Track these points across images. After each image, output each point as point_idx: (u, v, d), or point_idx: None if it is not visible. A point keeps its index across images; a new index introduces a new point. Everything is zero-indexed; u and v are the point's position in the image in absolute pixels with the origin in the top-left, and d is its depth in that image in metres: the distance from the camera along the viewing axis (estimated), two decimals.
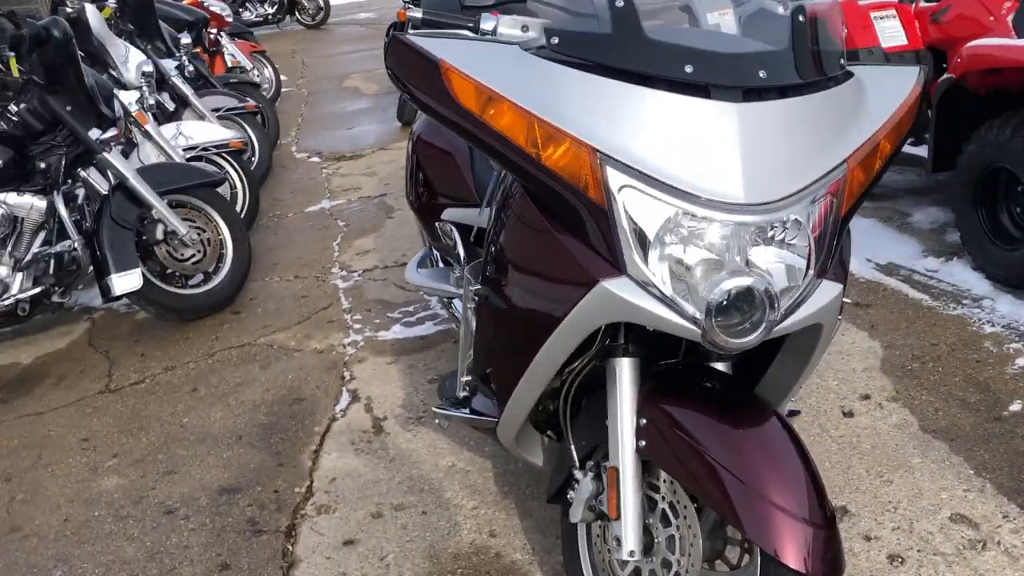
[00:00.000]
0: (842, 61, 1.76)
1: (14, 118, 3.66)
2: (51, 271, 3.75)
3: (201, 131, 4.80)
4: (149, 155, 4.53)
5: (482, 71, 1.65)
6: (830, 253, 1.63)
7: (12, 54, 3.47)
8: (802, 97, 1.63)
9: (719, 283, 1.50)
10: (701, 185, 1.52)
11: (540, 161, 1.58)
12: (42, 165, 3.76)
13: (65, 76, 3.61)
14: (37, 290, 3.69)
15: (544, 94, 1.62)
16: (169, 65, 5.37)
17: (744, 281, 1.49)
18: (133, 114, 4.39)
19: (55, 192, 3.69)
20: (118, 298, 3.71)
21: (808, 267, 1.58)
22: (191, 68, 5.52)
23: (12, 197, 3.70)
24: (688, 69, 1.57)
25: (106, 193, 3.81)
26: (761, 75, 1.59)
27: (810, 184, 1.57)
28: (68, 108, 3.65)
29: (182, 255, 4.00)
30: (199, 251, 4.03)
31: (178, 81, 5.37)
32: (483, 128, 1.64)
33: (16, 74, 3.50)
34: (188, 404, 3.27)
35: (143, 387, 3.47)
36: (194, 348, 3.75)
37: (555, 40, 1.69)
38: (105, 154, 3.73)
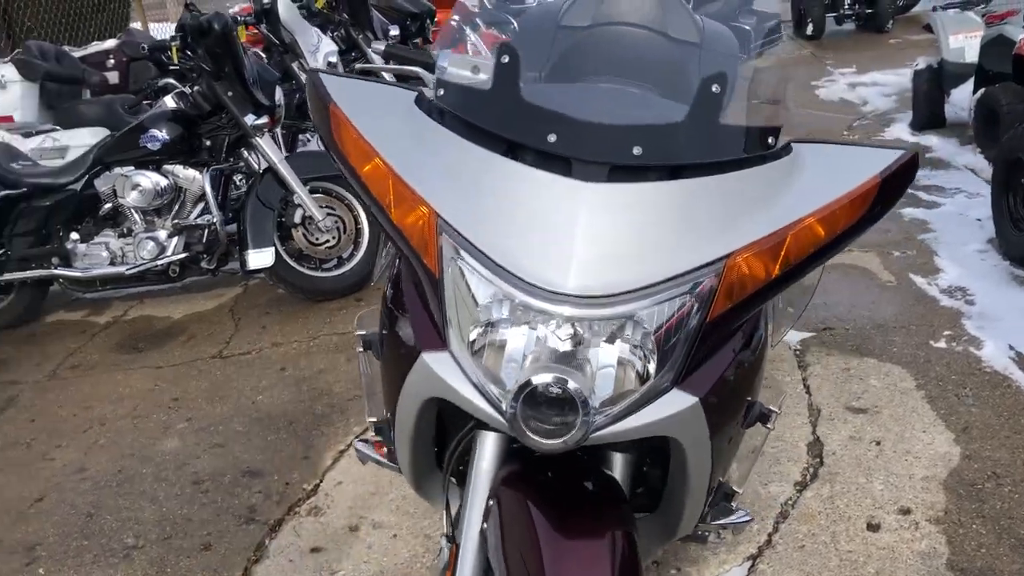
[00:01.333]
0: (772, 139, 1.52)
1: (189, 99, 4.07)
2: (202, 240, 4.15)
3: None
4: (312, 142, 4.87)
5: (367, 120, 1.61)
6: (688, 361, 1.42)
7: (176, 43, 3.85)
8: (687, 180, 1.43)
9: (525, 374, 1.37)
10: (531, 268, 1.39)
11: (392, 220, 1.53)
12: (207, 143, 4.16)
13: (225, 64, 3.95)
14: (185, 255, 4.10)
15: (413, 150, 1.56)
16: (374, 54, 5.69)
17: (547, 377, 1.34)
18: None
19: (207, 170, 4.07)
20: (252, 272, 4.03)
21: (649, 373, 1.39)
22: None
23: (179, 169, 4.13)
24: (551, 138, 1.44)
25: (256, 174, 4.14)
26: (635, 152, 1.42)
27: (662, 282, 1.38)
28: (229, 94, 3.99)
29: (317, 239, 4.25)
30: (333, 237, 4.27)
31: (385, 74, 5.67)
32: (356, 179, 1.60)
33: (176, 61, 3.89)
34: (270, 382, 3.50)
35: (247, 358, 3.76)
36: (306, 329, 3.99)
37: (441, 92, 1.62)
38: (257, 139, 4.04)
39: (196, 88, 4.04)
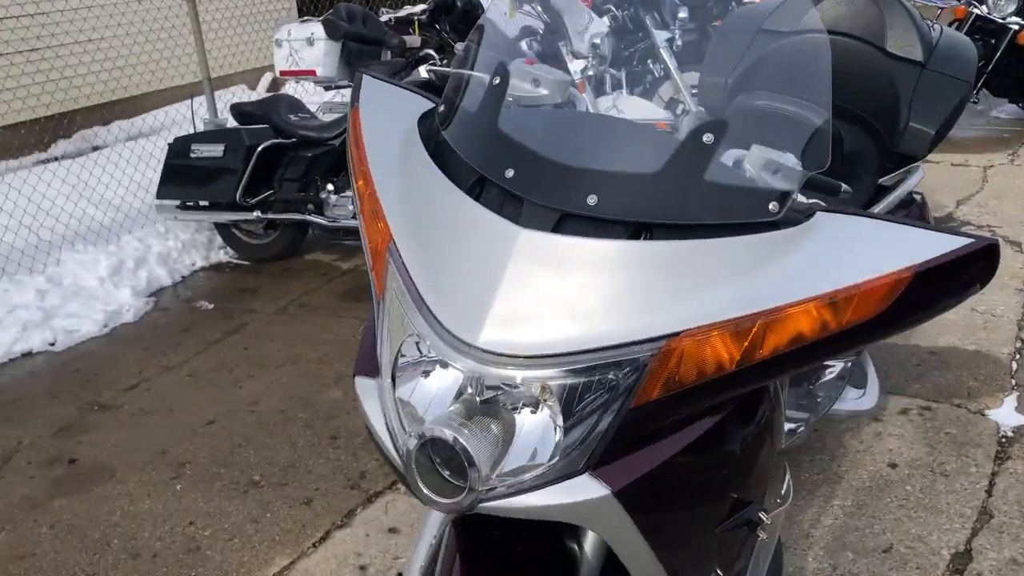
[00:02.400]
0: (776, 206, 1.28)
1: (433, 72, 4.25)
2: None
3: (633, 107, 4.90)
4: None
5: (376, 128, 1.59)
6: (607, 447, 1.24)
7: (422, 17, 4.01)
8: (649, 242, 1.25)
9: (425, 425, 1.29)
10: (451, 311, 1.29)
11: (364, 233, 1.50)
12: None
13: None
14: None
15: (397, 166, 1.51)
16: (660, 37, 5.51)
17: (443, 432, 1.24)
18: (576, 82, 4.73)
19: None
20: None
21: (556, 450, 1.24)
22: (679, 43, 5.57)
23: None
24: (509, 173, 1.33)
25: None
26: (589, 201, 1.27)
27: (583, 352, 1.22)
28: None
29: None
30: None
31: (665, 54, 5.49)
32: (354, 184, 1.59)
33: (418, 34, 4.05)
34: None
35: None
36: None
37: (441, 108, 1.55)
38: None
39: (440, 63, 4.20)
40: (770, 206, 1.27)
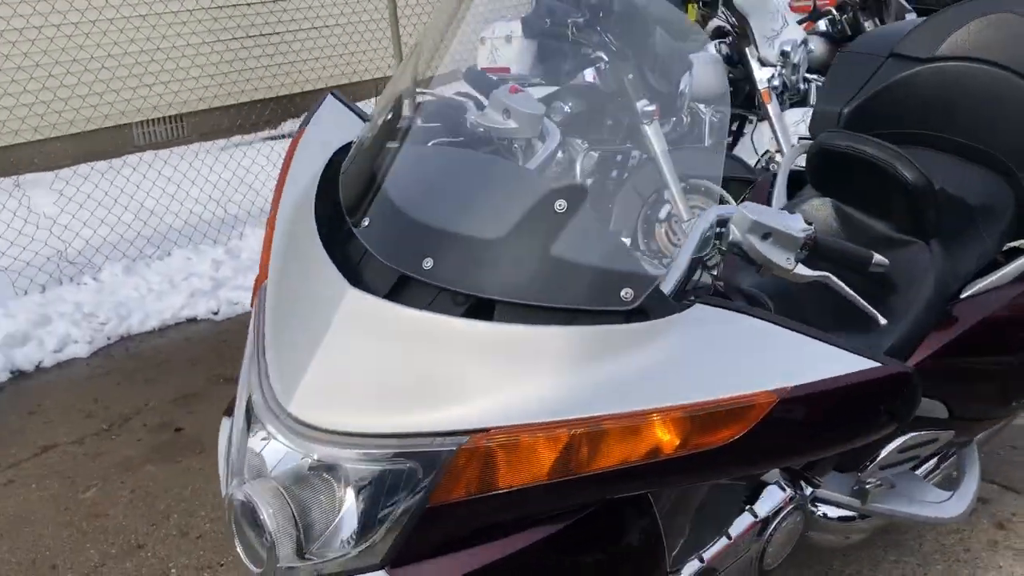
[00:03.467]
0: (627, 293, 1.09)
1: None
2: None
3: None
4: (763, 136, 4.48)
5: (309, 152, 1.53)
6: (403, 543, 1.11)
7: (580, 19, 3.84)
8: (477, 322, 1.10)
9: (237, 484, 1.22)
10: (278, 371, 1.21)
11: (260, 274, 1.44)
12: (609, 122, 4.13)
13: (635, 48, 3.84)
14: None
15: (299, 203, 1.44)
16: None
17: (239, 495, 1.16)
18: (760, 92, 4.38)
19: (575, 152, 4.05)
20: None
21: (355, 539, 1.13)
22: None
23: (578, 143, 4.19)
24: (365, 222, 1.23)
25: (638, 162, 4.00)
26: (425, 265, 1.14)
27: (382, 436, 1.10)
28: (629, 76, 3.89)
29: (679, 240, 3.98)
30: None
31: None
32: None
33: (569, 37, 3.88)
34: None
35: None
36: None
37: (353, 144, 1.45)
38: (644, 124, 3.89)
39: (606, 66, 4.02)
40: (622, 293, 1.05)
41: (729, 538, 1.68)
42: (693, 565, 1.55)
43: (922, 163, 2.17)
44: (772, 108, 4.34)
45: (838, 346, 1.05)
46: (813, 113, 2.39)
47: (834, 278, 1.48)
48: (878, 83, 2.30)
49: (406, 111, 1.31)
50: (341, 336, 1.11)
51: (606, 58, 4.13)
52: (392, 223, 1.17)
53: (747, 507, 1.82)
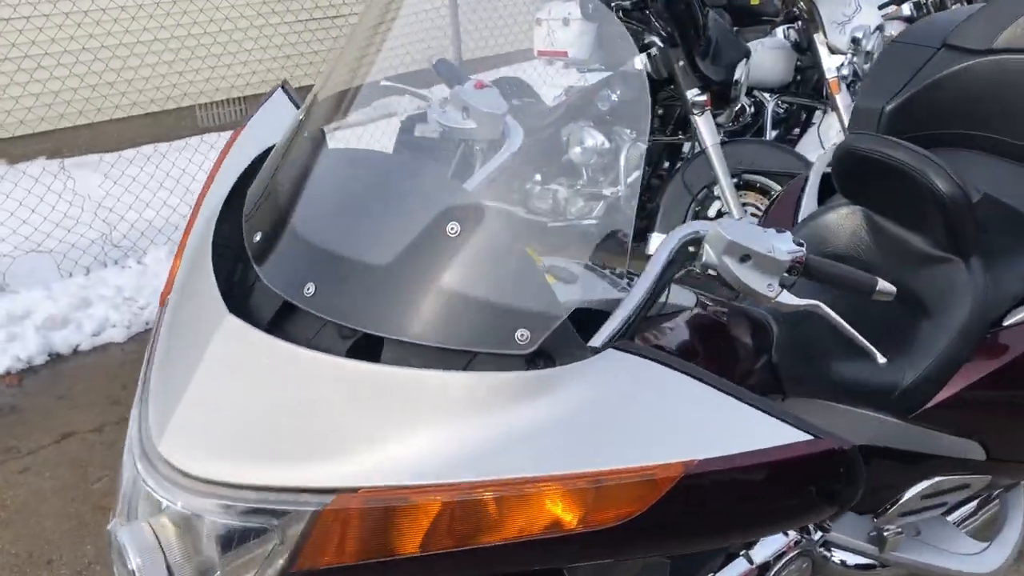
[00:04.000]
0: (522, 335, 0.93)
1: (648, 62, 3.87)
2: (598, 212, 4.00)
3: None
4: (830, 128, 4.19)
5: (244, 150, 1.40)
6: None
7: (624, 3, 3.63)
8: (357, 363, 0.95)
9: (119, 518, 1.11)
10: (157, 401, 1.09)
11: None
12: (660, 111, 3.92)
13: (685, 31, 3.62)
14: (594, 222, 3.99)
15: (211, 213, 1.31)
16: None
17: (114, 532, 1.05)
18: (828, 81, 4.10)
19: (621, 142, 3.85)
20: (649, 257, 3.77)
21: None
22: None
23: (626, 133, 3.99)
24: (256, 237, 1.10)
25: (688, 155, 3.79)
26: (306, 291, 1.00)
27: (246, 487, 0.96)
28: (680, 63, 3.67)
29: None
30: None
31: None
32: None
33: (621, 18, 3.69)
34: None
35: None
36: None
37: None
38: (695, 116, 3.67)
39: (655, 51, 3.81)
40: (518, 335, 0.89)
41: None
42: None
43: (971, 168, 1.92)
44: (841, 99, 4.04)
45: (768, 412, 0.86)
46: (853, 110, 2.15)
47: (825, 308, 1.28)
48: (927, 77, 2.05)
49: (322, 111, 1.17)
50: (214, 369, 0.98)
51: (660, 43, 3.91)
52: (282, 240, 1.03)
53: (742, 552, 1.64)
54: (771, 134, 4.41)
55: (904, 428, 1.70)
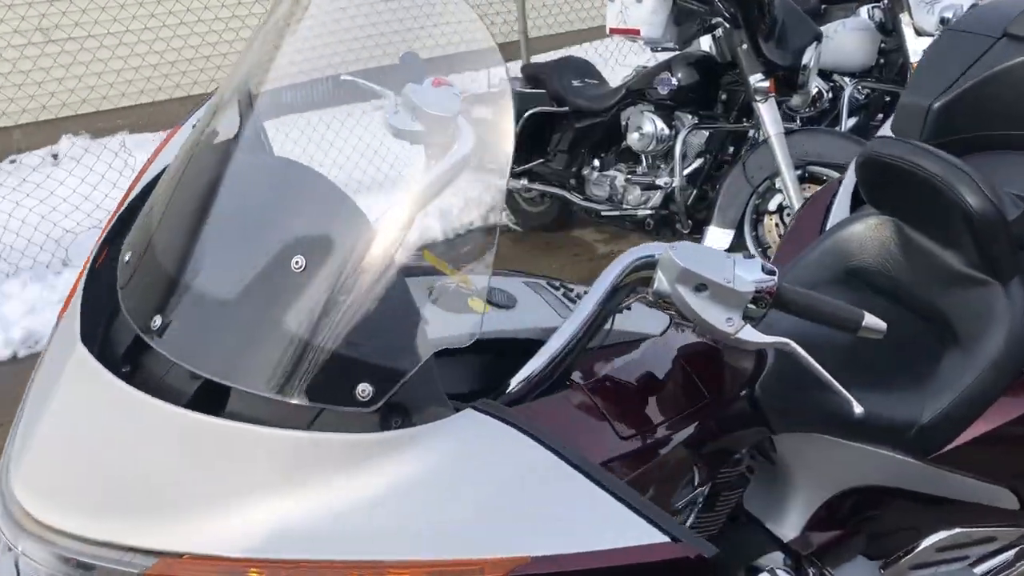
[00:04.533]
0: (364, 390, 0.82)
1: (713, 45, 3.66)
2: (649, 201, 3.81)
3: None
4: None
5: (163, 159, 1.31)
6: None
7: None
8: (190, 414, 0.85)
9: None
10: (21, 430, 1.01)
11: None
12: (723, 96, 3.71)
13: (748, 12, 3.40)
14: (656, 211, 3.80)
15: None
16: None
17: None
18: (912, 65, 3.80)
19: (688, 126, 3.65)
20: None
21: None
22: None
23: (687, 118, 3.78)
24: (126, 258, 1.01)
25: (751, 144, 3.57)
26: (153, 324, 0.91)
27: (83, 539, 0.88)
28: (743, 46, 3.45)
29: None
30: None
31: None
32: None
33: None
34: None
35: None
36: None
37: None
38: (758, 102, 3.44)
39: (719, 34, 3.59)
40: (359, 390, 0.77)
41: None
42: None
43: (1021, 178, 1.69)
44: None
45: (629, 504, 0.72)
46: (897, 107, 1.93)
47: (795, 346, 1.12)
48: (982, 70, 1.82)
49: (224, 113, 1.06)
50: (63, 405, 0.90)
51: (727, 24, 3.69)
52: (143, 261, 0.93)
53: None
54: (848, 122, 4.12)
55: (921, 469, 1.51)
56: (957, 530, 1.53)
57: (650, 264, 1.12)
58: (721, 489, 1.47)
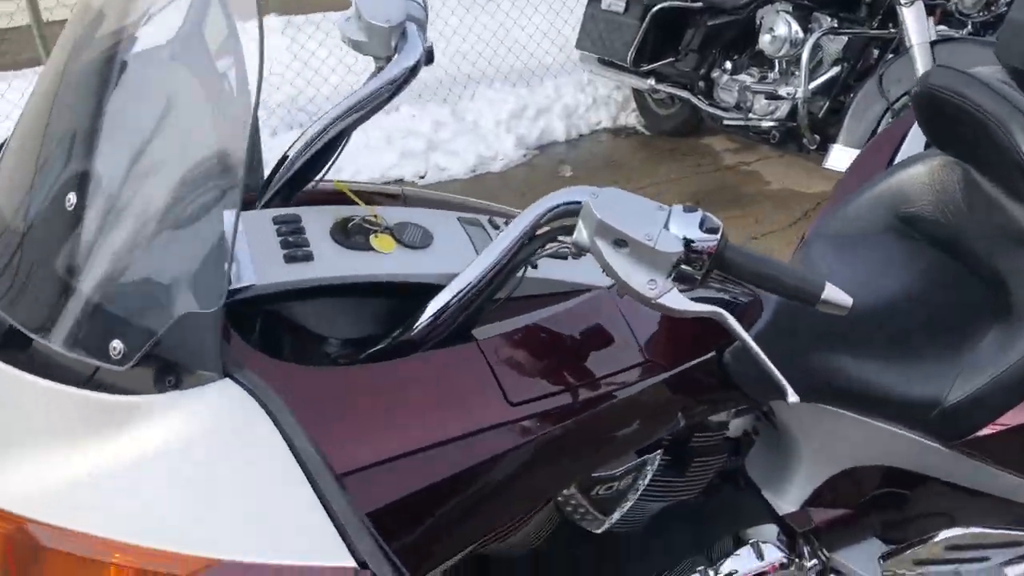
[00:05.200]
0: (117, 346, 0.77)
1: None
2: (774, 113, 3.48)
3: None
4: None
5: None
6: None
7: None
8: None
9: None
10: None
11: None
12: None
13: None
14: (780, 123, 3.49)
15: None
16: None
17: None
18: None
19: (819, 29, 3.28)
20: (827, 169, 3.27)
21: None
22: None
23: (826, 20, 3.41)
24: None
25: (891, 57, 3.18)
26: None
27: None
28: None
29: None
30: None
31: None
32: None
33: None
34: None
35: None
36: None
37: None
38: (901, 5, 3.04)
39: None
40: (112, 346, 0.71)
41: None
42: None
43: None
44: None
45: (336, 519, 0.61)
46: (1003, 25, 1.62)
47: (726, 315, 0.97)
48: None
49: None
50: None
51: None
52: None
53: (700, 567, 1.38)
54: None
55: (942, 455, 1.32)
56: (975, 529, 1.33)
57: (572, 212, 0.99)
58: (698, 454, 1.34)
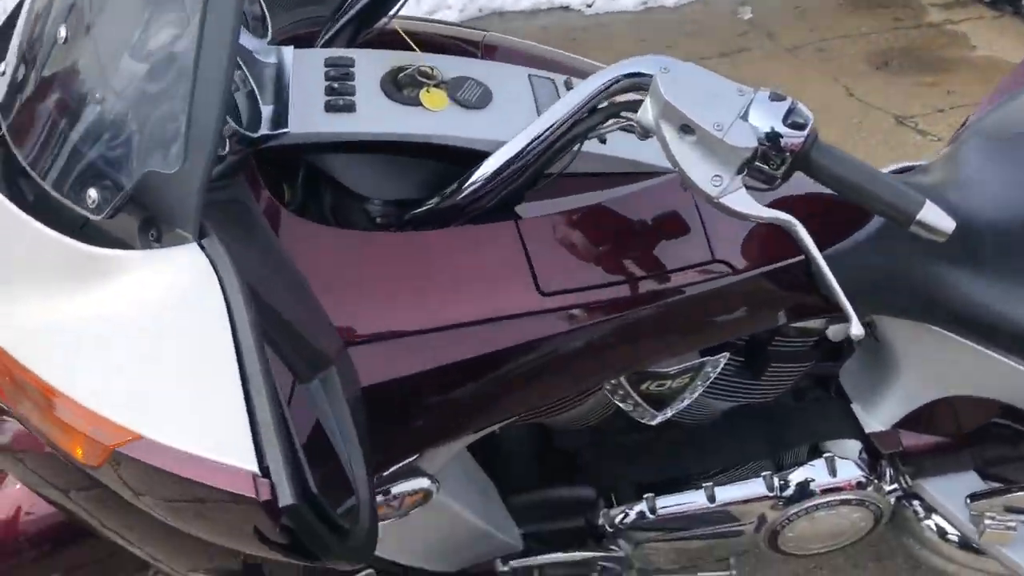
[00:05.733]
0: (93, 194, 0.74)
1: None
2: None
3: None
4: None
5: None
6: None
7: None
8: None
9: None
10: None
11: None
12: None
13: None
14: None
15: None
16: None
17: None
18: None
19: None
20: None
21: None
22: None
23: None
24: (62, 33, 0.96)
25: None
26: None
27: None
28: None
29: None
30: None
31: None
32: None
33: None
34: None
35: None
36: None
37: None
38: None
39: None
40: (88, 194, 0.68)
41: None
42: None
43: None
44: None
45: (254, 415, 0.55)
46: None
47: (798, 225, 0.86)
48: None
49: None
50: None
51: None
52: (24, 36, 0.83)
53: (765, 473, 1.30)
54: None
55: None
56: None
57: (640, 86, 0.87)
58: (777, 359, 1.23)
